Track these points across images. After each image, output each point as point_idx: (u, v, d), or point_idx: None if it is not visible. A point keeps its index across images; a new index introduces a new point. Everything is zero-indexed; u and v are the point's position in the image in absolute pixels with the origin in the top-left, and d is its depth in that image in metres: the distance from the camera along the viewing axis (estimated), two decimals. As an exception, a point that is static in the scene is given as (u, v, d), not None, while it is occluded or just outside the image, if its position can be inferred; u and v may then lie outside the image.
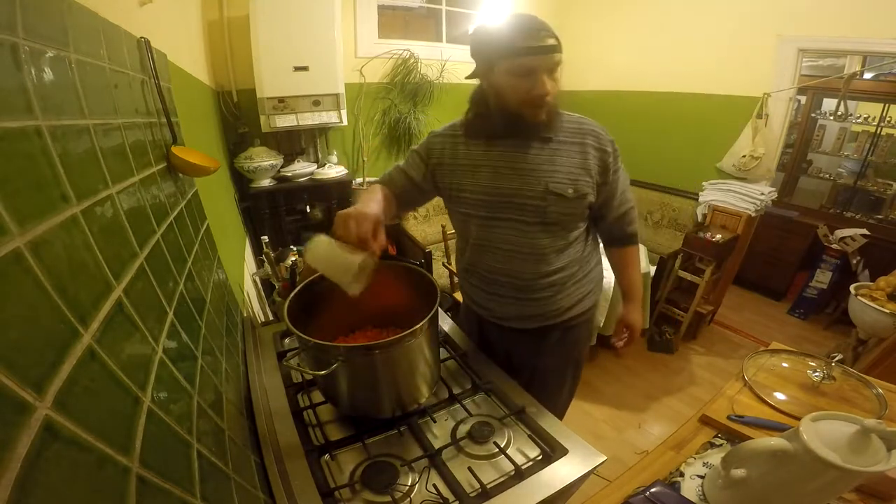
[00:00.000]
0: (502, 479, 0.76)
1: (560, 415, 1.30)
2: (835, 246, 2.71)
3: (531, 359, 1.19)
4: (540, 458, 0.79)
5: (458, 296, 2.33)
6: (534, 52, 0.87)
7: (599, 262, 1.20)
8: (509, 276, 1.07)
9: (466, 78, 1.04)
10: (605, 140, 1.03)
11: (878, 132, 3.02)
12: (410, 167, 1.11)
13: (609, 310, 2.25)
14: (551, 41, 0.88)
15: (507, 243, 1.05)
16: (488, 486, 0.73)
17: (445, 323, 1.22)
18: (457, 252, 1.23)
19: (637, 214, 1.17)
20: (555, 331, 1.14)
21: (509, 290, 1.09)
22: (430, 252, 2.66)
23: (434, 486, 0.74)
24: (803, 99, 3.17)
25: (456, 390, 0.96)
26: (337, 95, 2.52)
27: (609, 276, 2.22)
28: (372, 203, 0.95)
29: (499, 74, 0.91)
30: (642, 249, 2.61)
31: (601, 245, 1.21)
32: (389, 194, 1.07)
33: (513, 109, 0.94)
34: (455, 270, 2.13)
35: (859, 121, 3.11)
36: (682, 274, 2.61)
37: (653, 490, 0.73)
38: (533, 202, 1.00)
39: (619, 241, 1.16)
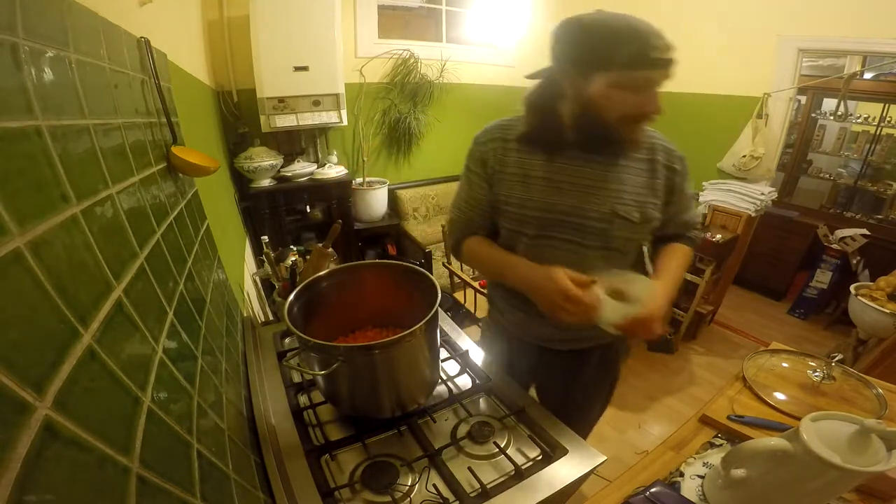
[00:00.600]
0: (502, 479, 0.76)
1: (587, 431, 1.23)
2: (835, 246, 2.72)
3: (567, 379, 1.10)
4: (540, 458, 0.79)
5: (459, 296, 2.33)
6: (659, 65, 0.74)
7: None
8: None
9: (529, 77, 0.90)
10: (675, 156, 0.92)
11: (878, 132, 3.02)
12: (475, 192, 0.98)
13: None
14: (670, 54, 0.75)
15: (558, 265, 0.89)
16: (488, 486, 0.72)
17: (445, 323, 1.22)
18: None
19: (698, 223, 1.04)
20: (595, 351, 1.06)
21: None
22: (430, 252, 2.67)
23: (434, 486, 0.74)
24: (803, 99, 3.17)
25: (456, 390, 0.96)
26: (337, 95, 2.52)
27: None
28: (539, 273, 0.85)
29: (602, 83, 0.76)
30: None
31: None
32: (489, 241, 1.00)
33: (607, 123, 0.80)
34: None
35: (859, 121, 3.11)
36: (682, 274, 2.60)
37: (653, 490, 0.73)
38: (596, 224, 0.89)
39: (673, 239, 1.02)
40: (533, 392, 1.17)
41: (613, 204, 0.88)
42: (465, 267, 2.53)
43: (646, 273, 1.03)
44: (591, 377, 1.09)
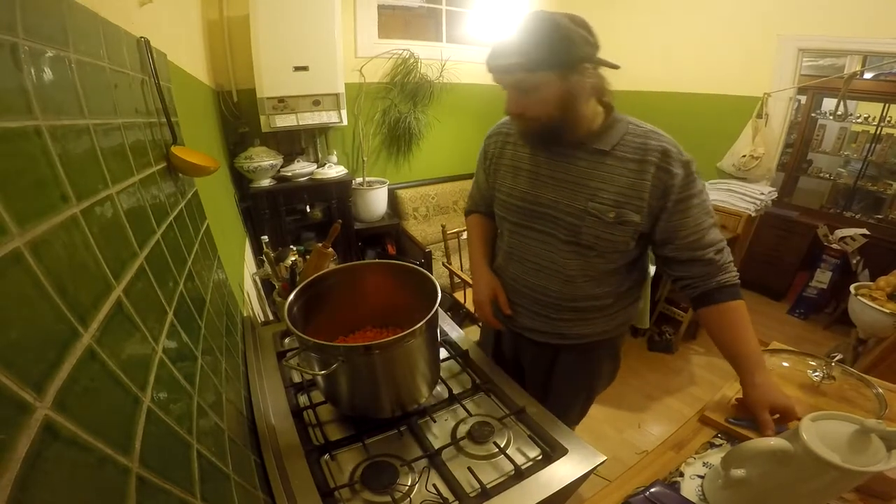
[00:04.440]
0: (502, 479, 0.76)
1: (570, 424, 1.23)
2: (835, 246, 2.71)
3: (544, 375, 1.14)
4: (540, 458, 0.79)
5: (459, 296, 2.33)
6: (491, 70, 0.83)
7: (639, 298, 1.09)
8: (533, 290, 1.02)
9: None
10: (676, 160, 0.86)
11: (879, 132, 3.02)
12: (479, 177, 1.14)
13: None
14: (509, 60, 0.79)
15: (535, 256, 0.99)
16: (488, 486, 0.73)
17: (445, 323, 1.22)
18: (493, 253, 1.19)
19: (730, 260, 0.91)
20: (572, 349, 1.08)
21: (530, 304, 1.04)
22: (430, 252, 2.67)
23: (434, 486, 0.74)
24: (803, 99, 3.17)
25: (456, 390, 0.96)
26: (337, 95, 2.52)
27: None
28: (482, 280, 1.10)
29: None
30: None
31: (649, 279, 1.11)
32: (485, 221, 1.17)
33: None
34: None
35: (859, 121, 3.11)
36: (683, 274, 2.60)
37: (653, 490, 0.73)
38: (568, 219, 0.92)
39: (708, 298, 0.90)
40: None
41: (587, 201, 0.89)
42: (465, 267, 2.53)
43: (641, 278, 1.05)
44: (567, 372, 1.12)
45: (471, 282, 2.06)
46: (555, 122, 0.85)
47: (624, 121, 0.90)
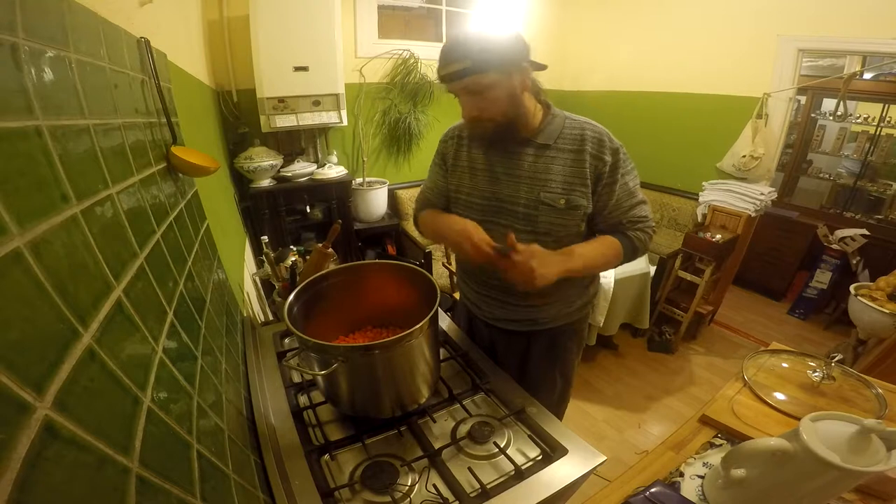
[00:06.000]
0: (502, 479, 0.76)
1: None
2: (835, 246, 2.72)
3: (518, 360, 1.19)
4: (540, 458, 0.79)
5: (458, 295, 2.33)
6: (444, 80, 0.89)
7: (597, 277, 1.17)
8: (500, 280, 1.03)
9: None
10: (606, 148, 0.97)
11: (878, 132, 3.02)
12: (435, 179, 1.16)
13: (609, 310, 2.25)
14: (459, 65, 0.85)
15: None
16: (488, 486, 0.73)
17: (445, 323, 1.22)
18: None
19: (650, 227, 1.04)
20: (542, 336, 1.14)
21: (499, 294, 1.11)
22: (430, 252, 2.67)
23: (434, 486, 0.74)
24: (803, 99, 3.17)
25: (456, 390, 0.96)
26: (337, 95, 2.52)
27: (609, 276, 2.24)
28: (458, 223, 1.02)
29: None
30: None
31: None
32: (437, 209, 1.16)
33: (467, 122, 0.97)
34: (454, 269, 2.14)
35: (859, 121, 3.11)
36: (682, 274, 2.61)
37: (653, 490, 0.73)
38: (524, 210, 1.00)
39: (611, 231, 1.03)
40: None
41: (539, 191, 0.98)
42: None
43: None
44: (540, 355, 1.17)
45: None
46: (508, 120, 0.93)
47: (560, 116, 1.00)
